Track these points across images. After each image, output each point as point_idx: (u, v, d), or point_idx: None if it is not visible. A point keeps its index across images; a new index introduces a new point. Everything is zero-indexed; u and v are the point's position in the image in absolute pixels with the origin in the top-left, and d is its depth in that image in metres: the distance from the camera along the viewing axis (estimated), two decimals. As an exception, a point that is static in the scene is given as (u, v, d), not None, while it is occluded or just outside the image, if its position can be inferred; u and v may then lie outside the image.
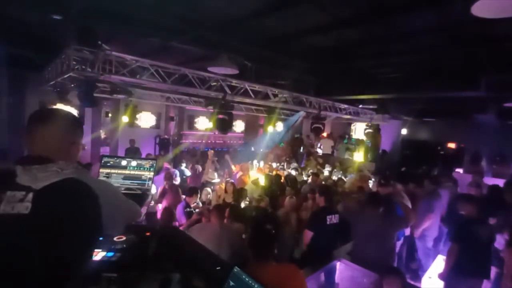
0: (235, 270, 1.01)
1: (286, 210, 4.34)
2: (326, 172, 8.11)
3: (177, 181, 6.60)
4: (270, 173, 6.87)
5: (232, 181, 5.90)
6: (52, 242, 0.92)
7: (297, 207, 4.57)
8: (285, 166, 8.68)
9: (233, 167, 7.03)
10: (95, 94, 5.10)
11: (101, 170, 1.59)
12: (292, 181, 6.20)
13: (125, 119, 7.56)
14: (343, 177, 7.24)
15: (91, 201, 1.01)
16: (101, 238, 1.23)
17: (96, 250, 1.19)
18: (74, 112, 8.55)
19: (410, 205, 4.29)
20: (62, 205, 0.96)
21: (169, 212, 4.06)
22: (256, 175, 6.81)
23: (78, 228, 0.97)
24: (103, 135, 9.57)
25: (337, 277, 3.01)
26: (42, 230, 0.92)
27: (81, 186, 1.01)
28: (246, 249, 3.19)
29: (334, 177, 7.23)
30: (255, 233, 1.95)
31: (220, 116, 5.82)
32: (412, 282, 3.27)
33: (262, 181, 6.02)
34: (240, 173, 6.61)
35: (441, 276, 3.19)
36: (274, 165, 8.41)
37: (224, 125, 5.99)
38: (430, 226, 4.22)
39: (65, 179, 0.99)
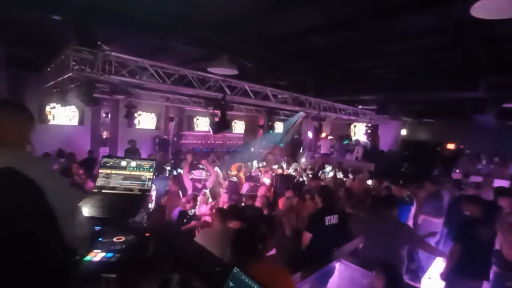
0: (235, 270, 1.01)
1: (282, 210, 4.33)
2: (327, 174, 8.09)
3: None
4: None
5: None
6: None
7: (295, 207, 4.56)
8: (284, 167, 8.67)
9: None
10: (94, 95, 5.10)
11: (100, 171, 1.59)
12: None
13: (124, 119, 7.60)
14: (341, 177, 7.23)
15: (29, 195, 0.90)
16: (100, 239, 1.23)
17: (95, 251, 1.19)
18: (74, 112, 8.56)
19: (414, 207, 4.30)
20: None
21: (162, 210, 3.96)
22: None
23: (18, 226, 0.87)
24: (102, 136, 9.57)
25: (337, 277, 3.00)
26: None
27: (17, 178, 0.88)
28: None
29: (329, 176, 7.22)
30: (238, 234, 1.93)
31: (219, 116, 5.84)
32: (411, 283, 3.26)
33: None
34: (235, 172, 6.62)
35: (442, 276, 3.19)
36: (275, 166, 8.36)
37: (223, 126, 6.00)
38: (434, 228, 4.22)
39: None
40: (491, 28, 3.79)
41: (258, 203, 4.31)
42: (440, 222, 4.35)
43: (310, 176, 6.88)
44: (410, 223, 4.37)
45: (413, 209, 4.35)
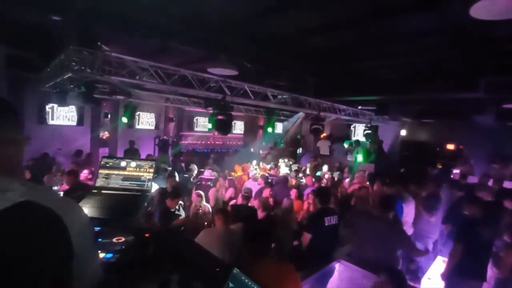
0: (235, 271, 1.01)
1: (284, 210, 4.34)
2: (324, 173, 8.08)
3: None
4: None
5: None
6: None
7: (297, 207, 4.57)
8: (280, 166, 8.67)
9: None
10: (94, 95, 5.10)
11: (100, 171, 1.59)
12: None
13: (124, 120, 7.59)
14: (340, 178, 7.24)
15: (58, 232, 0.72)
16: (100, 240, 1.23)
17: (95, 251, 1.19)
18: (73, 112, 8.56)
19: (413, 206, 4.28)
20: (21, 249, 0.65)
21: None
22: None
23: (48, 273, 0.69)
24: (102, 136, 9.55)
25: (337, 278, 3.00)
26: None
27: (41, 213, 0.70)
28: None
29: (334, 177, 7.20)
30: (249, 231, 1.97)
31: (220, 117, 5.82)
32: (411, 284, 3.26)
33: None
34: (240, 173, 6.67)
35: (443, 276, 3.18)
36: (268, 166, 8.35)
37: (223, 126, 5.99)
38: (432, 228, 4.21)
39: (15, 205, 0.66)
40: (490, 29, 3.79)
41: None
42: (437, 221, 4.33)
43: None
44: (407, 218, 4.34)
45: (404, 206, 4.34)
